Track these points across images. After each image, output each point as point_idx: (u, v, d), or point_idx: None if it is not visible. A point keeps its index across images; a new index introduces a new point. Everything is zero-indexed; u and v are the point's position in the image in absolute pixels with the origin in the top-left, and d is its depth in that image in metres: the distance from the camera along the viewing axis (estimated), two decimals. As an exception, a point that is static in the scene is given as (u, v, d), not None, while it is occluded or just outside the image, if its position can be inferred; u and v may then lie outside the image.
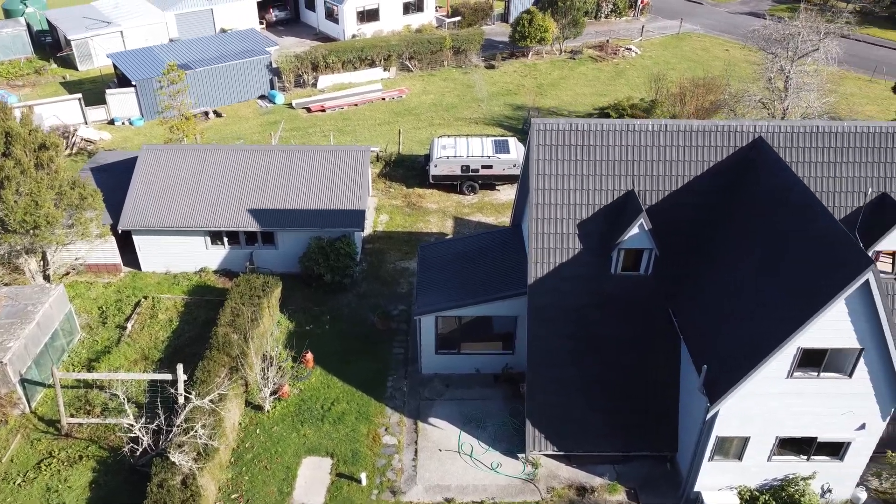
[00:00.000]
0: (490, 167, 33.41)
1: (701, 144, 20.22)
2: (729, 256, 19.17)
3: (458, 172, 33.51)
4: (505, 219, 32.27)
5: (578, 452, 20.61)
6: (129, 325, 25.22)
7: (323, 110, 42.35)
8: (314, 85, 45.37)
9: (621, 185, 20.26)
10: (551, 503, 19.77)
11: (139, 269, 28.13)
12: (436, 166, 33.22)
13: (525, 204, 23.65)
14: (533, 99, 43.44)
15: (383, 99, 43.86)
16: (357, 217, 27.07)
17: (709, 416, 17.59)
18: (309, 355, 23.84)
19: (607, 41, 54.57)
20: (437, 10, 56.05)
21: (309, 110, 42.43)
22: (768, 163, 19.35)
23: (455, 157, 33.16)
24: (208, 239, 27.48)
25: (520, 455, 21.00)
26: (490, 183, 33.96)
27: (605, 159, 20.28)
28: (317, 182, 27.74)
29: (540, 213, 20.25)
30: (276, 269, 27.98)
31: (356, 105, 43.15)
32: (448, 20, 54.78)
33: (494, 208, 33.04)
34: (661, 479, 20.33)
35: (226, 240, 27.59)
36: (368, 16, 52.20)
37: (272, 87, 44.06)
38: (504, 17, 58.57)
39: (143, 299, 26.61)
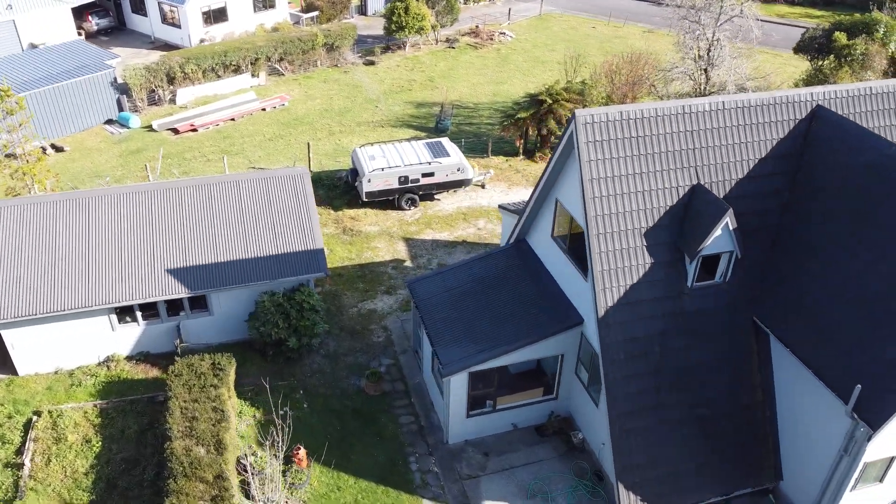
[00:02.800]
0: (431, 174, 28.81)
1: (760, 122, 17.27)
2: (826, 249, 16.43)
3: (396, 185, 28.54)
4: (462, 232, 27.91)
5: (677, 507, 17.06)
6: (25, 461, 17.72)
7: (194, 129, 35.04)
8: (172, 101, 37.65)
9: (684, 179, 16.80)
10: (668, 579, 16.06)
11: (15, 373, 20.33)
12: (369, 181, 27.99)
13: (538, 215, 19.55)
14: (444, 94, 39.21)
15: (263, 109, 37.34)
16: (316, 258, 21.33)
17: (860, 441, 14.74)
18: (301, 452, 18.06)
19: (477, 26, 51.66)
20: (289, 6, 49.79)
21: (176, 131, 34.91)
22: (847, 133, 16.83)
23: (390, 167, 28.14)
24: (114, 317, 20.39)
25: (610, 526, 17.07)
26: (429, 193, 29.39)
27: (662, 151, 16.67)
28: (252, 221, 21.58)
29: (600, 226, 16.23)
30: (212, 340, 21.55)
31: (233, 119, 36.27)
32: (305, 16, 48.75)
33: (444, 221, 28.52)
34: (770, 516, 17.39)
35: (139, 314, 20.66)
36: (216, 16, 44.80)
37: (121, 109, 35.80)
38: (362, 10, 53.62)
39: (34, 417, 19.03)
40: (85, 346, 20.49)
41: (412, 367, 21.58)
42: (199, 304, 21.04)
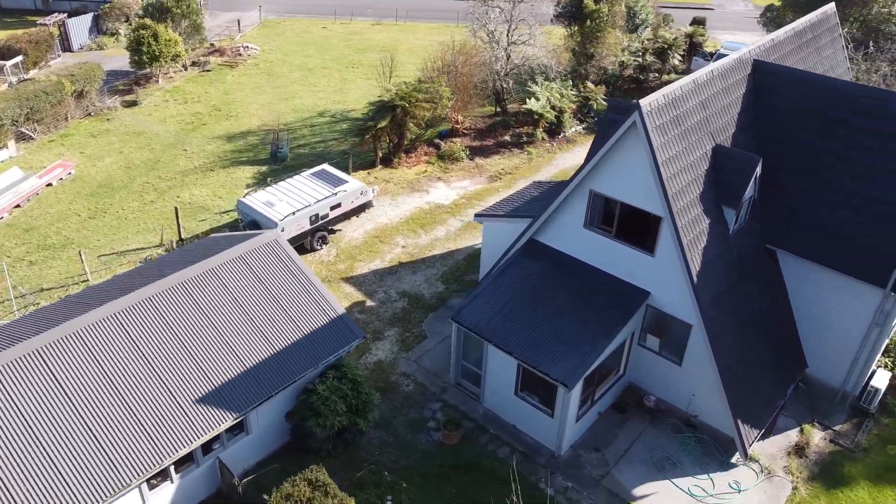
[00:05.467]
0: (339, 206, 26.66)
1: (731, 83, 19.97)
2: (803, 174, 19.91)
3: (308, 226, 25.82)
4: (392, 254, 26.54)
5: (768, 423, 19.55)
6: None
7: (-25, 232, 26.77)
8: None
9: (706, 144, 18.79)
10: (798, 479, 18.52)
11: None
12: (283, 230, 24.83)
13: (556, 212, 19.91)
14: (272, 120, 35.56)
15: (50, 184, 29.92)
16: (345, 324, 18.70)
17: (890, 311, 18.71)
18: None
19: (212, 45, 47.44)
20: (-23, 55, 39.75)
21: (-50, 241, 26.30)
22: (780, 77, 20.44)
23: (301, 209, 25.33)
24: (144, 486, 15.52)
25: (732, 460, 18.88)
26: (331, 227, 27.17)
27: (690, 124, 18.35)
28: (256, 308, 17.94)
29: (678, 203, 17.43)
30: (254, 460, 17.75)
31: (18, 206, 28.46)
32: (8, 63, 39.46)
33: (364, 249, 26.72)
34: (814, 401, 20.81)
35: (172, 469, 16.02)
36: None
37: None
38: (66, 46, 45.20)
39: None
40: (109, 537, 15.33)
41: (465, 400, 20.53)
42: (235, 426, 17.09)
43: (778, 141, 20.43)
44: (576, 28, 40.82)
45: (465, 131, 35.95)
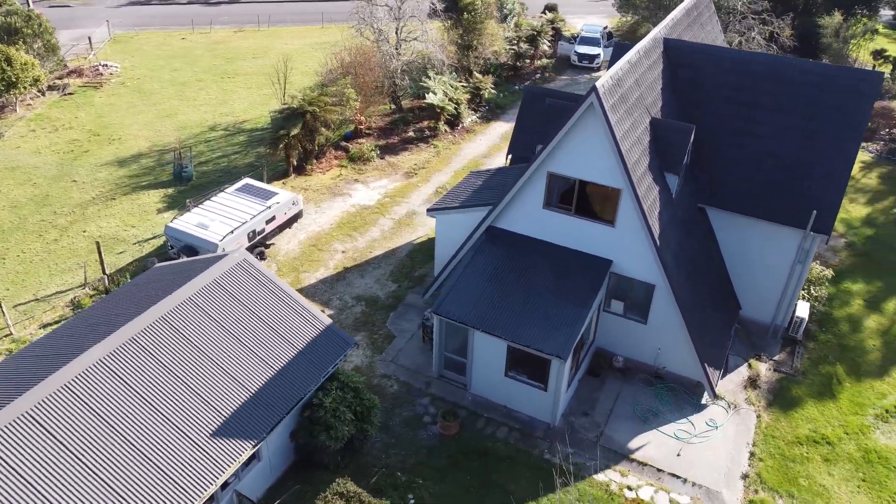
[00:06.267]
0: (273, 219, 25.88)
1: (653, 61, 21.76)
2: (720, 135, 22.20)
3: (247, 243, 24.87)
4: (335, 261, 26.21)
5: (724, 363, 21.66)
6: None
7: None
8: None
9: (645, 118, 20.40)
10: (759, 408, 20.77)
11: None
12: (223, 250, 23.75)
13: (513, 200, 20.76)
14: (161, 140, 33.18)
15: (-75, 236, 26.43)
16: (335, 333, 18.42)
17: (810, 248, 21.43)
18: (487, 511, 16.81)
19: (65, 66, 43.66)
20: None
21: None
22: (694, 51, 22.64)
23: (239, 227, 24.34)
24: (169, 533, 14.57)
25: (703, 401, 20.78)
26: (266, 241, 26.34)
27: (632, 100, 19.84)
28: (246, 331, 17.22)
29: (635, 172, 18.85)
30: (263, 487, 17.13)
31: None
32: None
33: (305, 260, 26.16)
34: (752, 338, 23.30)
35: (193, 510, 15.12)
36: None
37: None
38: None
39: None
40: None
41: (452, 391, 20.94)
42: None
43: (696, 109, 22.57)
44: (452, 21, 41.98)
45: (367, 131, 35.94)
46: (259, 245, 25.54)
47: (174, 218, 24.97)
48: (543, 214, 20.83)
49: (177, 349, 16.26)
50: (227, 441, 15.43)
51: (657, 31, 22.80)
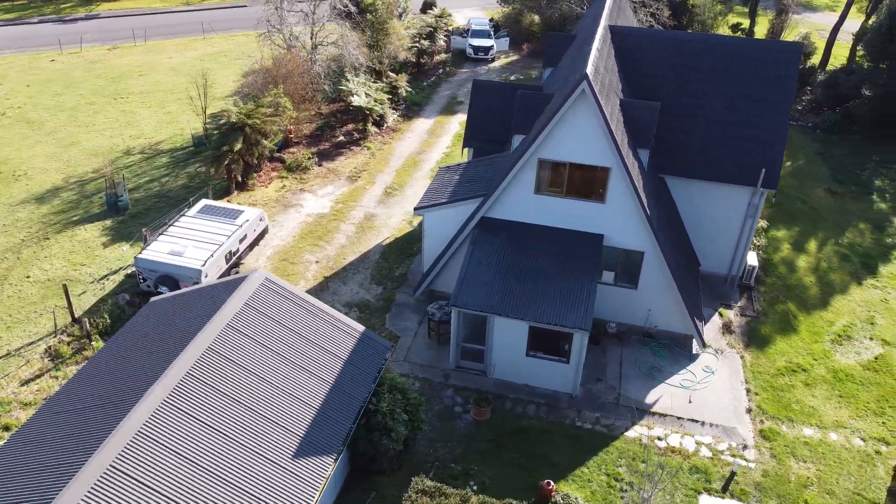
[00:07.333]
0: (245, 237, 25.05)
1: (616, 48, 23.44)
2: (671, 112, 24.35)
3: (225, 265, 23.98)
4: (310, 273, 25.85)
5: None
6: None
7: None
8: None
9: (615, 101, 21.97)
10: (740, 350, 23.18)
11: None
12: (206, 276, 22.78)
13: (504, 190, 21.70)
14: (74, 171, 30.53)
15: None
16: (371, 338, 18.46)
17: (758, 203, 24.14)
18: (549, 484, 17.68)
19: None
20: None
21: None
22: (636, 35, 24.60)
23: (217, 249, 23.40)
24: (271, 561, 14.18)
25: (694, 351, 22.84)
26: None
27: (605, 84, 21.32)
28: (287, 350, 16.90)
29: (624, 149, 20.37)
30: (329, 501, 16.99)
31: None
32: None
33: (283, 275, 25.55)
34: (714, 290, 25.79)
35: (286, 534, 14.76)
36: None
37: None
38: None
39: None
40: None
41: (472, 379, 21.58)
42: (318, 471, 16.17)
43: (646, 89, 24.61)
44: (354, 22, 42.05)
45: (296, 140, 35.33)
46: (235, 265, 24.71)
47: (143, 249, 23.53)
48: (535, 199, 21.95)
49: (232, 376, 15.76)
50: (309, 459, 15.25)
51: (603, 20, 24.56)
